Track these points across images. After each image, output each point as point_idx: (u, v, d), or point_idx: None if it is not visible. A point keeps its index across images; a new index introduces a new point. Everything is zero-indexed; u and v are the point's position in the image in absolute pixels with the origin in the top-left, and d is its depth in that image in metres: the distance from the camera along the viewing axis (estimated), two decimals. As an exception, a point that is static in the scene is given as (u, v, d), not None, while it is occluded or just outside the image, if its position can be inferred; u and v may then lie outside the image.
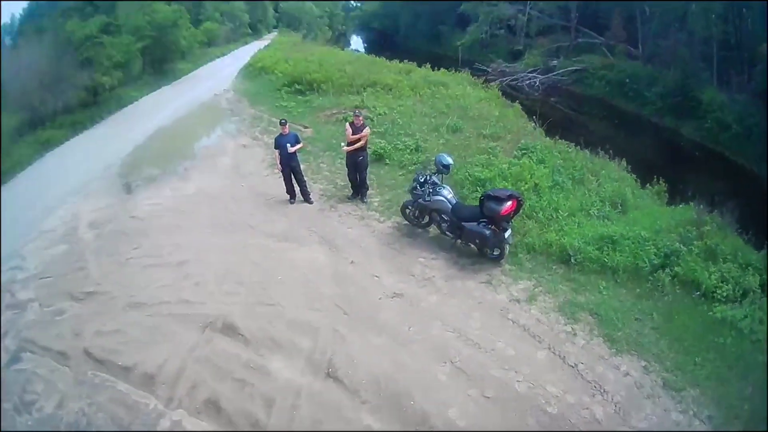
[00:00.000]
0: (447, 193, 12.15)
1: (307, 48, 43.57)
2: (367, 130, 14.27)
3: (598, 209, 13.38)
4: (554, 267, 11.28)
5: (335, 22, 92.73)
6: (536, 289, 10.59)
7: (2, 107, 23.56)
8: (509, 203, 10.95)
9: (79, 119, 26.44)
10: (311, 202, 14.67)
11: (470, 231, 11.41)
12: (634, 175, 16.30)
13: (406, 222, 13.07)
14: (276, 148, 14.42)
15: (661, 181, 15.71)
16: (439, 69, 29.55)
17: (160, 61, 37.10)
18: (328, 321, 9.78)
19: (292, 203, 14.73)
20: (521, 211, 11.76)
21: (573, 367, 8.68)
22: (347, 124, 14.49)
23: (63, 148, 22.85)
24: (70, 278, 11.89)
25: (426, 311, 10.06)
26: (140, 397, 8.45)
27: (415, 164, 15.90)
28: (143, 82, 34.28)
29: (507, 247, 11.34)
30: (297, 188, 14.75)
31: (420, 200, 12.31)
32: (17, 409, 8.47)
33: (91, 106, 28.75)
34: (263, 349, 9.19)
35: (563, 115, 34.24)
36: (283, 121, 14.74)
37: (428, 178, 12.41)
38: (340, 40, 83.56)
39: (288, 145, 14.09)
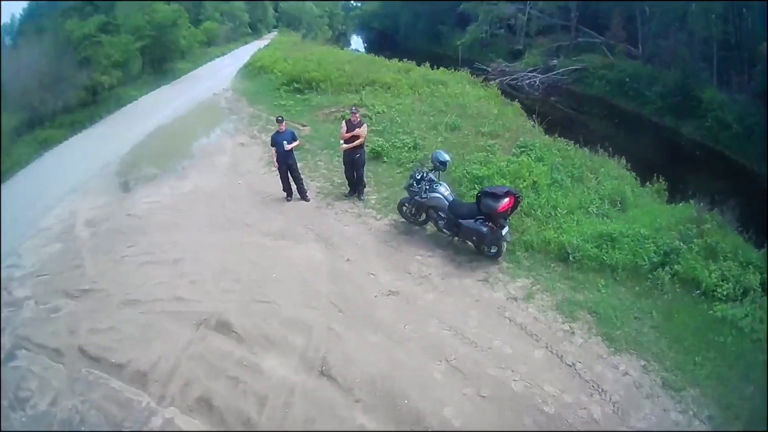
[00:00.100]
0: (444, 190, 12.07)
1: (307, 47, 43.64)
2: (364, 128, 14.21)
3: (597, 207, 13.30)
4: (552, 265, 11.20)
5: (335, 21, 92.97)
6: (534, 287, 10.50)
7: (2, 107, 23.52)
8: (506, 200, 10.84)
9: (78, 118, 26.46)
10: (308, 200, 14.63)
11: (467, 228, 11.33)
12: (633, 173, 16.24)
13: (403, 219, 13.00)
14: (273, 145, 14.36)
15: (661, 180, 15.63)
16: (438, 68, 29.56)
17: (160, 61, 37.10)
18: (323, 319, 9.74)
19: (288, 201, 14.70)
20: (519, 208, 11.71)
21: (571, 366, 8.59)
22: (343, 121, 14.42)
23: (62, 147, 22.88)
24: (66, 276, 11.93)
25: (422, 309, 9.99)
26: (133, 394, 8.44)
27: (412, 162, 15.81)
28: (143, 81, 34.28)
29: (504, 244, 11.24)
30: (294, 186, 14.69)
31: (417, 197, 12.24)
32: (12, 406, 8.45)
33: (90, 105, 28.78)
34: (257, 347, 9.15)
35: (563, 114, 34.19)
36: (279, 118, 14.71)
37: (425, 175, 12.33)
38: (340, 39, 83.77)
39: (285, 142, 14.03)
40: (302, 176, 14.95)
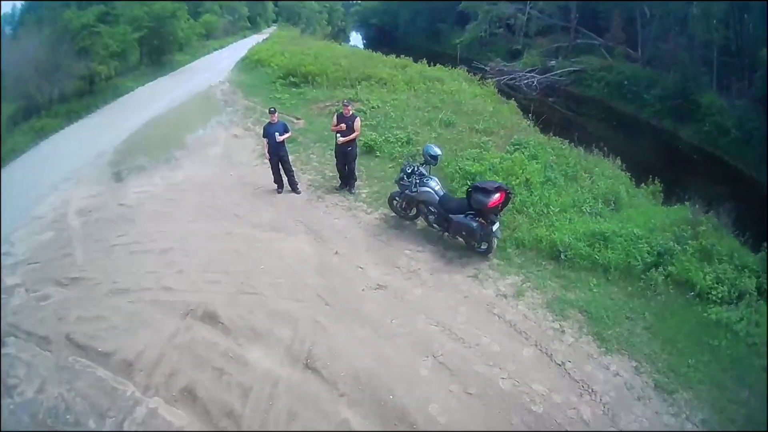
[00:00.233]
0: (434, 185, 12.01)
1: (305, 42, 43.60)
2: (358, 122, 14.18)
3: (590, 206, 13.20)
4: (544, 263, 11.12)
5: (335, 17, 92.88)
6: (524, 285, 10.42)
7: (1, 96, 23.52)
8: (497, 195, 10.76)
9: (75, 108, 26.46)
10: (299, 192, 14.59)
11: (457, 223, 11.25)
12: (629, 174, 16.13)
13: (394, 214, 12.93)
14: (264, 136, 14.32)
15: (656, 181, 15.58)
16: (436, 66, 29.44)
17: (158, 52, 37.02)
18: (309, 312, 9.67)
19: (279, 193, 14.65)
20: (510, 204, 11.62)
21: (560, 365, 8.52)
22: (335, 115, 14.40)
23: (58, 137, 22.86)
24: (56, 264, 11.89)
25: (410, 304, 9.92)
26: (118, 383, 8.37)
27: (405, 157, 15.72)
28: (140, 72, 34.28)
29: (495, 241, 11.17)
30: (285, 178, 14.65)
31: (407, 191, 12.17)
32: (-1, 393, 8.41)
33: (87, 95, 28.78)
34: (243, 339, 9.08)
35: (561, 115, 34.14)
36: (272, 109, 14.66)
37: (416, 168, 12.25)
38: (340, 36, 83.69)
39: (276, 133, 14.00)
40: (294, 168, 14.92)
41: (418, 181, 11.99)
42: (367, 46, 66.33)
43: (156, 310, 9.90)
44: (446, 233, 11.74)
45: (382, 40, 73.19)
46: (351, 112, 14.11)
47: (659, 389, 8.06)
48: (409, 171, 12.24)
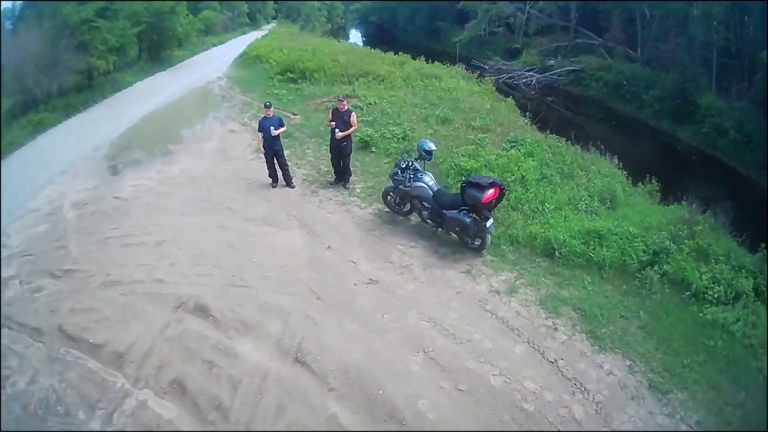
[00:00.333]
0: (428, 180, 11.95)
1: (303, 38, 43.47)
2: (354, 117, 14.13)
3: (586, 204, 13.18)
4: (538, 260, 11.08)
5: (334, 15, 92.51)
6: (517, 282, 10.37)
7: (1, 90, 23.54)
8: (491, 191, 10.70)
9: (73, 103, 26.35)
10: (293, 187, 14.56)
11: (451, 218, 11.20)
12: (625, 173, 16.14)
13: (388, 209, 12.89)
14: (260, 130, 14.29)
15: (653, 180, 15.56)
16: (434, 63, 29.37)
17: (157, 48, 36.91)
18: (300, 305, 9.63)
19: (274, 187, 14.63)
20: (504, 200, 11.61)
21: (553, 363, 8.47)
22: (330, 110, 14.41)
23: (55, 131, 22.80)
24: (50, 256, 11.87)
25: (402, 299, 9.87)
26: (109, 375, 8.35)
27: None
28: (139, 67, 34.11)
29: (489, 237, 11.11)
30: (280, 172, 14.63)
31: (401, 186, 12.12)
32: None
33: (86, 89, 28.66)
34: (233, 332, 9.05)
35: (560, 114, 34.09)
36: (267, 103, 14.60)
37: (410, 164, 12.21)
38: (339, 33, 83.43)
39: (272, 127, 13.96)
40: (289, 163, 14.89)
41: (412, 176, 11.94)
42: (366, 43, 65.87)
43: (148, 302, 9.87)
44: (440, 229, 11.69)
45: (381, 37, 73.06)
46: (346, 107, 14.08)
47: (653, 389, 8.01)
48: (404, 166, 12.19)
